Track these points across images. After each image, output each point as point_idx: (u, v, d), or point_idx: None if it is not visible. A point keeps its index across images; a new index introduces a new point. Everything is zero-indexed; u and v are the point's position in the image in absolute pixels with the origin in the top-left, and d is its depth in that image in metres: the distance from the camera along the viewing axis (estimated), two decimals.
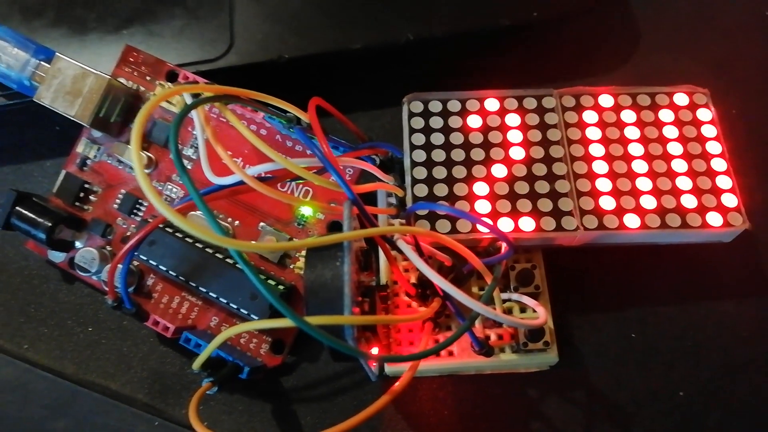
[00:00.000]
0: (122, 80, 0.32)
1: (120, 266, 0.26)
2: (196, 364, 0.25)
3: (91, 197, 0.31)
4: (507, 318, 0.23)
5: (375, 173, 0.27)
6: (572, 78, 0.32)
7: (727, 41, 0.35)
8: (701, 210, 0.28)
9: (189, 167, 0.31)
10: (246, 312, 0.28)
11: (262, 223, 0.30)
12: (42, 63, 0.30)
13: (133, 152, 0.17)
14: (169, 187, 0.31)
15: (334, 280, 0.22)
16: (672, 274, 0.30)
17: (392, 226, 0.26)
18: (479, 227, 0.27)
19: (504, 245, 0.25)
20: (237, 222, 0.31)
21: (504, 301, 0.28)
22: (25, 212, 0.30)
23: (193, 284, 0.29)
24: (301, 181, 0.29)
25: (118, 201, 0.31)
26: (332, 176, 0.22)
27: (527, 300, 0.27)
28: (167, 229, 0.29)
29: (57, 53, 0.30)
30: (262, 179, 0.24)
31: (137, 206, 0.31)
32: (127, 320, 0.31)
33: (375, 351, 0.25)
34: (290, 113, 0.26)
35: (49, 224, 0.29)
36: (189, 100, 0.25)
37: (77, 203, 0.31)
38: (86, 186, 0.32)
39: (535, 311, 0.27)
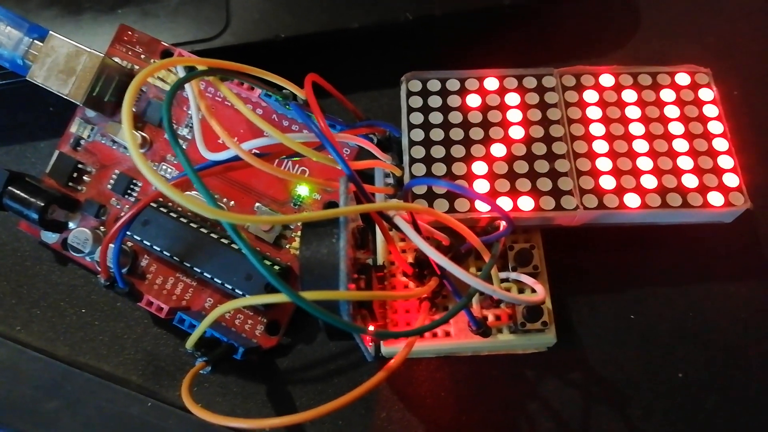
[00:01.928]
0: (117, 59, 0.31)
1: (112, 245, 0.26)
2: (190, 342, 0.24)
3: (85, 177, 0.31)
4: (505, 294, 0.23)
5: (372, 151, 0.26)
6: (573, 59, 0.31)
7: (730, 23, 0.34)
8: (702, 189, 0.27)
9: (184, 146, 0.31)
10: (241, 292, 0.28)
11: (257, 204, 0.30)
12: (35, 42, 0.30)
13: (125, 121, 0.17)
14: (164, 167, 0.31)
15: (329, 256, 0.22)
16: (672, 255, 0.30)
17: (389, 202, 0.26)
18: (477, 204, 0.26)
19: (503, 223, 0.25)
20: (232, 202, 0.30)
21: (502, 280, 0.27)
22: (18, 192, 0.29)
23: (188, 264, 0.28)
24: (297, 159, 0.29)
25: (111, 181, 0.31)
26: (329, 152, 0.22)
27: (526, 278, 0.27)
28: (161, 209, 0.29)
29: (50, 32, 0.29)
30: (258, 156, 0.24)
31: (131, 186, 0.31)
32: (121, 301, 0.31)
33: (371, 329, 0.24)
34: (286, 90, 0.26)
35: (42, 204, 0.29)
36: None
37: (71, 183, 0.31)
38: (80, 166, 0.31)
39: (534, 290, 0.26)
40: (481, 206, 0.27)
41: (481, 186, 0.27)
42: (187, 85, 0.23)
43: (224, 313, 0.25)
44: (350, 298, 0.20)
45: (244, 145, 0.22)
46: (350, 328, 0.19)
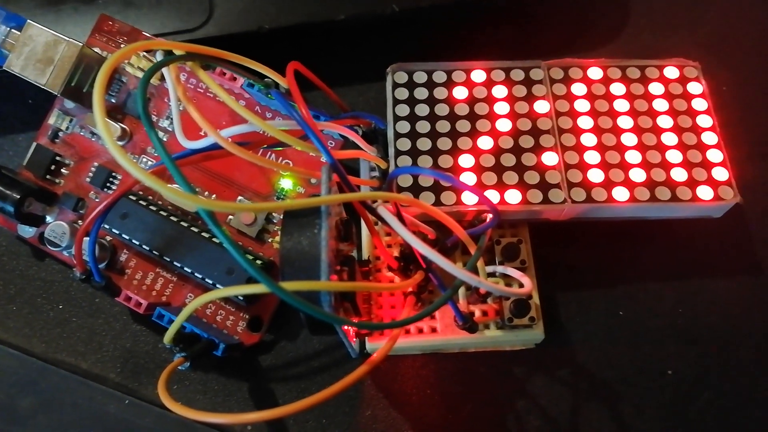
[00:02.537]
0: (97, 50, 0.31)
1: (87, 237, 0.25)
2: (167, 337, 0.23)
3: (63, 170, 0.30)
4: (490, 285, 0.22)
5: (357, 142, 0.26)
6: (563, 53, 0.31)
7: (720, 18, 0.34)
8: (691, 183, 0.27)
9: (165, 139, 0.30)
10: (222, 287, 0.27)
11: (240, 197, 0.29)
12: (13, 30, 0.29)
13: (96, 101, 0.16)
14: (144, 159, 0.30)
15: (310, 247, 0.21)
16: (662, 251, 0.30)
17: (373, 192, 0.25)
18: (463, 197, 0.26)
19: (489, 216, 0.24)
20: (214, 195, 0.29)
21: (489, 275, 0.27)
22: None
23: (168, 259, 0.28)
24: (278, 149, 0.28)
25: (90, 174, 0.30)
26: (311, 140, 0.21)
27: (512, 271, 0.26)
28: (140, 202, 0.28)
29: (28, 20, 0.29)
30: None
31: (110, 179, 0.30)
32: (99, 298, 0.30)
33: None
34: (268, 78, 0.25)
35: (18, 197, 0.28)
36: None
37: (48, 176, 0.30)
38: (58, 158, 0.30)
39: (521, 285, 0.26)
40: (468, 199, 0.26)
41: (468, 179, 0.27)
42: (165, 72, 0.23)
43: (202, 304, 0.24)
44: (331, 288, 0.19)
45: (223, 133, 0.22)
46: (330, 319, 0.19)
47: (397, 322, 0.21)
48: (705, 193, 0.27)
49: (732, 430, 0.27)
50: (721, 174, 0.27)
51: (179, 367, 0.25)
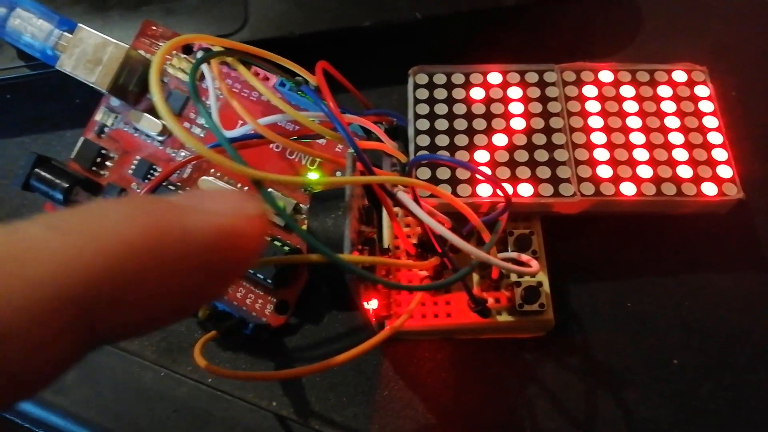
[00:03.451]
0: (141, 52, 0.33)
1: None
2: (201, 311, 0.25)
3: (108, 163, 0.33)
4: (502, 263, 0.24)
5: (380, 135, 0.28)
6: (575, 57, 0.33)
7: (729, 25, 0.35)
8: (696, 180, 0.28)
9: (202, 136, 0.32)
10: (252, 272, 0.29)
11: (269, 189, 0.31)
12: (65, 33, 0.32)
13: (152, 78, 0.19)
14: (183, 153, 0.32)
15: (335, 227, 0.23)
16: (669, 247, 0.31)
17: (393, 176, 0.27)
18: (478, 189, 0.28)
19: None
20: (246, 188, 0.32)
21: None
22: (44, 174, 0.31)
23: None
24: (307, 141, 0.30)
25: (133, 167, 0.32)
26: (337, 129, 0.23)
27: (523, 256, 0.28)
28: (179, 192, 0.30)
29: (80, 24, 0.31)
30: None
31: (151, 172, 0.32)
32: None
33: (375, 304, 0.25)
34: (299, 76, 0.27)
35: (67, 185, 0.31)
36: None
37: (94, 168, 0.33)
38: (103, 152, 0.33)
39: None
40: (483, 190, 0.28)
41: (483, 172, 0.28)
42: (205, 68, 0.25)
43: None
44: (353, 260, 0.21)
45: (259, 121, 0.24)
46: (354, 270, 0.20)
47: (415, 286, 0.23)
48: (709, 189, 0.28)
49: (733, 418, 0.28)
50: (725, 172, 0.29)
51: (212, 341, 0.27)
